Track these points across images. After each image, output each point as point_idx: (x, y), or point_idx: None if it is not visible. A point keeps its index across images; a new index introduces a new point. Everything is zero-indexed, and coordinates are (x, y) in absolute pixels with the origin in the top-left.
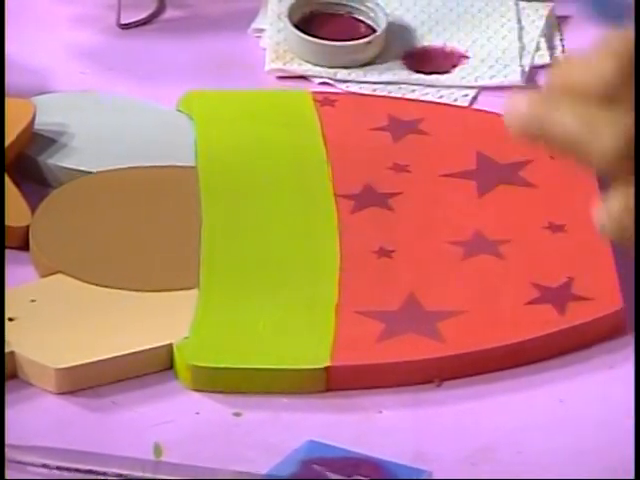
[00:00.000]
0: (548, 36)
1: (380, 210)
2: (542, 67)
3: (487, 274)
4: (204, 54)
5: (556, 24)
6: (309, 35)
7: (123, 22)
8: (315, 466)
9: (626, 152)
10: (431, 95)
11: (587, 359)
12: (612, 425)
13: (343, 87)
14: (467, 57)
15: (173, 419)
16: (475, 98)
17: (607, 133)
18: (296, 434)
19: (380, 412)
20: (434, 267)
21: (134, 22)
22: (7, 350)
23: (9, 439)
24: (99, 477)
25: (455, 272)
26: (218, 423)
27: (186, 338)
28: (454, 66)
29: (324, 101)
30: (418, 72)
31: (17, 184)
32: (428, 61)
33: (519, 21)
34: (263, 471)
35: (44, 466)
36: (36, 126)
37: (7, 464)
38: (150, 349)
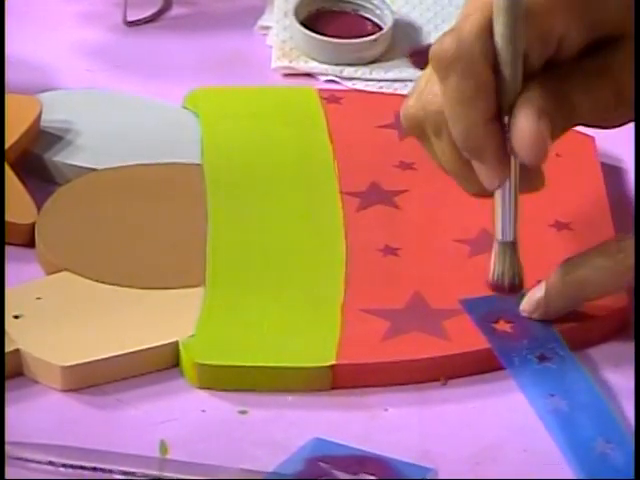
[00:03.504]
0: None
1: (386, 208)
2: None
3: None
4: (210, 51)
5: None
6: (315, 33)
7: (129, 19)
8: (321, 464)
9: None
10: None
11: (592, 357)
12: None
13: (349, 85)
14: None
15: (179, 417)
16: None
17: None
18: (302, 432)
19: (386, 410)
20: (440, 265)
21: (140, 19)
22: (13, 348)
23: (14, 437)
24: (105, 475)
25: (461, 270)
26: (224, 421)
27: (192, 336)
28: None
29: (330, 98)
30: (424, 70)
31: (23, 181)
32: None
33: None
34: (269, 469)
35: (50, 463)
36: (42, 123)
37: (12, 461)
38: (156, 347)
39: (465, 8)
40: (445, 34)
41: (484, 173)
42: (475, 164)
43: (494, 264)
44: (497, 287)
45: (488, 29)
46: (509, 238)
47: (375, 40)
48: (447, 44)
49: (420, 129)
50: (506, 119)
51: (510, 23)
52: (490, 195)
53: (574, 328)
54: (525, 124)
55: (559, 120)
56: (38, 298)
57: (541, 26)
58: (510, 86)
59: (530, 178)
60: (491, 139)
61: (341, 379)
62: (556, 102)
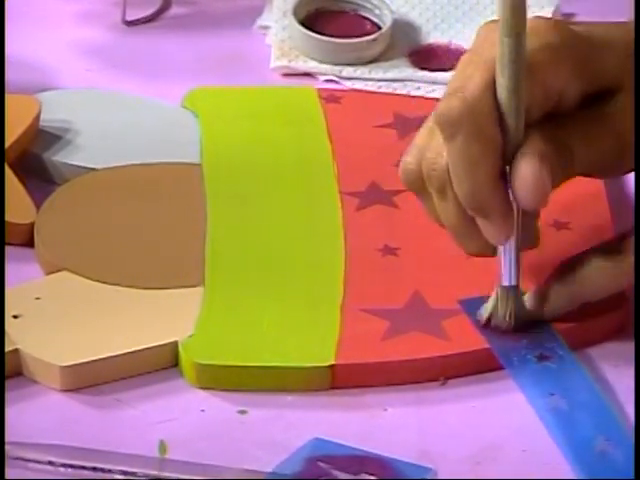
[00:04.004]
0: None
1: (385, 208)
2: None
3: (492, 272)
4: (209, 51)
5: None
6: (314, 32)
7: (128, 19)
8: (320, 463)
9: None
10: (436, 92)
11: (592, 356)
12: None
13: (348, 84)
14: None
15: (178, 417)
16: None
17: None
18: (301, 432)
19: (385, 410)
20: (439, 265)
21: (139, 19)
22: (12, 347)
23: (14, 437)
24: (104, 474)
25: (460, 270)
26: (223, 421)
27: (191, 336)
28: None
29: (329, 98)
30: (423, 69)
31: (22, 181)
32: (433, 58)
33: None
34: (268, 469)
35: (49, 463)
36: (41, 123)
37: (12, 462)
38: (155, 347)
39: (464, 69)
40: (450, 95)
41: (490, 230)
42: (480, 221)
43: (494, 305)
44: (492, 326)
45: (492, 86)
46: (512, 283)
47: (374, 40)
48: (453, 104)
49: (420, 185)
50: (507, 168)
51: (514, 76)
52: (489, 255)
53: (573, 327)
54: (526, 169)
55: (559, 167)
56: (37, 298)
57: (543, 80)
58: (513, 138)
59: (526, 235)
60: (498, 196)
61: (340, 379)
62: (556, 149)
